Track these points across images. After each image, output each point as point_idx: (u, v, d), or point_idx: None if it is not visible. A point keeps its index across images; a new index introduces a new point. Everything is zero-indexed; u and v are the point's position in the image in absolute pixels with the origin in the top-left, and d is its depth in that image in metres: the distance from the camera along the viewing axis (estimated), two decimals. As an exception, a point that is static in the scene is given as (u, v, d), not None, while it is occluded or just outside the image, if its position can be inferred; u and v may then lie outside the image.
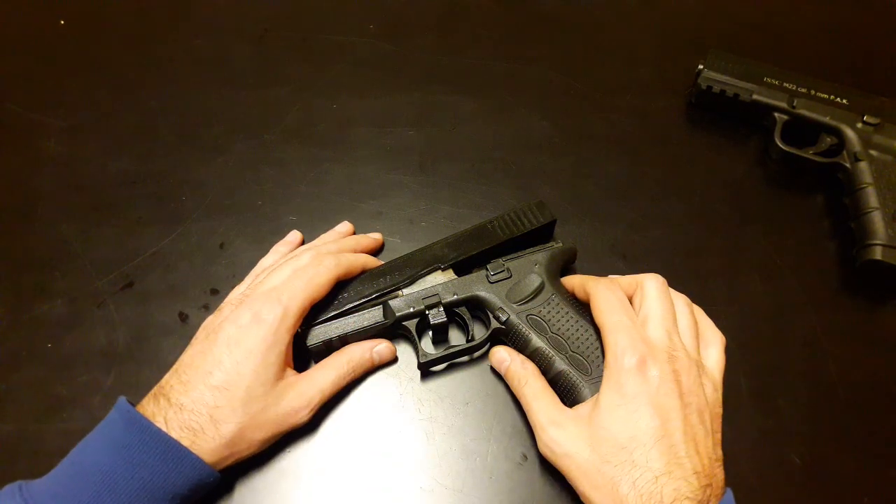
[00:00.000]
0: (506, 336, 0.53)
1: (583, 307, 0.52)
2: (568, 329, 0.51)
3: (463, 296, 0.53)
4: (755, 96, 0.67)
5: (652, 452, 0.41)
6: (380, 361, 0.53)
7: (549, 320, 0.51)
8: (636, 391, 0.43)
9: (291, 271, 0.50)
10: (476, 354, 0.55)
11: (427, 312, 0.52)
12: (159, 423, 0.43)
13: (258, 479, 0.49)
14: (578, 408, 0.47)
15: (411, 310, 0.52)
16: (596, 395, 0.46)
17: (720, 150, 0.68)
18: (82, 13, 0.75)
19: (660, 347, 0.45)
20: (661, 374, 0.43)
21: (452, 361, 0.55)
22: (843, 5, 0.80)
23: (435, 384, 0.54)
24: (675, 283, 0.51)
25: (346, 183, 0.64)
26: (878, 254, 0.58)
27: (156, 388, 0.46)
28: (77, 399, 0.52)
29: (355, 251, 0.55)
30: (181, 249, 0.60)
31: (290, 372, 0.49)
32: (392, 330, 0.54)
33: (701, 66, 0.68)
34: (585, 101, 0.71)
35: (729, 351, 0.52)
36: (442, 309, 0.52)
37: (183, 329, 0.56)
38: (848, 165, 0.63)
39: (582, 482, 0.44)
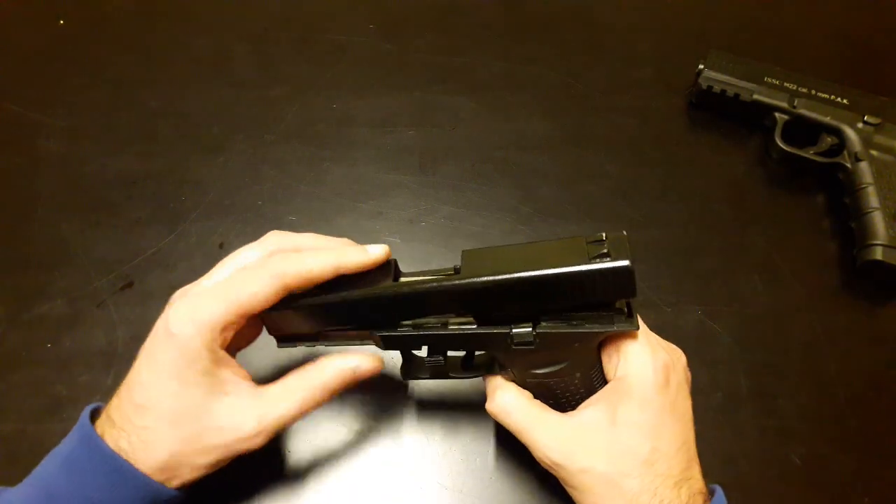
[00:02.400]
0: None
1: (599, 381, 0.44)
2: (570, 393, 0.44)
3: (475, 352, 0.45)
4: (756, 96, 0.67)
5: (673, 461, 0.40)
6: (361, 378, 0.44)
7: (556, 389, 0.44)
8: (662, 404, 0.41)
9: (233, 271, 0.43)
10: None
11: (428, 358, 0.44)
12: (106, 437, 0.40)
13: (255, 479, 0.49)
14: (579, 417, 0.42)
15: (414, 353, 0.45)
16: (603, 405, 0.42)
17: (720, 150, 0.68)
18: (82, 13, 0.75)
19: (666, 349, 0.44)
20: (678, 379, 0.42)
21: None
22: (843, 5, 0.80)
23: (435, 383, 0.54)
24: (676, 282, 0.51)
25: (346, 183, 0.64)
26: (878, 254, 0.58)
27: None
28: (77, 399, 0.52)
29: (335, 267, 0.42)
30: (181, 249, 0.60)
31: (238, 387, 0.42)
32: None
33: (701, 66, 0.68)
34: (585, 101, 0.71)
35: (729, 351, 0.52)
36: (441, 358, 0.44)
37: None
38: (848, 165, 0.63)
39: (596, 496, 0.41)
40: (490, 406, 0.44)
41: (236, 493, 0.49)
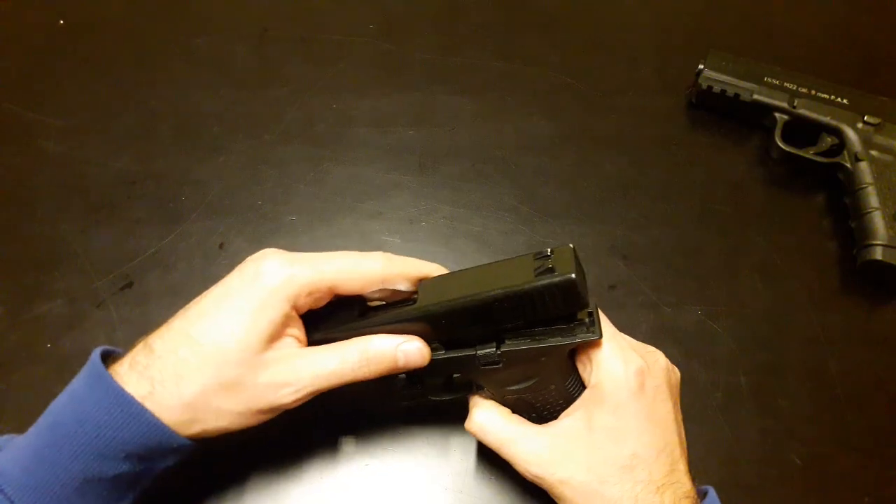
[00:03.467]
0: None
1: (577, 389, 0.44)
2: (549, 404, 0.44)
3: (452, 375, 0.45)
4: (755, 96, 0.67)
5: (654, 466, 0.40)
6: (405, 366, 0.43)
7: (534, 402, 0.44)
8: (637, 409, 0.41)
9: (338, 252, 0.43)
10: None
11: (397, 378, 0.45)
12: (122, 367, 0.39)
13: (254, 478, 0.49)
14: (556, 427, 0.43)
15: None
16: (580, 413, 0.42)
17: (720, 150, 0.68)
18: (82, 13, 0.75)
19: (642, 353, 0.43)
20: (656, 383, 0.42)
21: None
22: (844, 5, 0.80)
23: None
24: (675, 282, 0.51)
25: (346, 183, 0.64)
26: (878, 254, 0.58)
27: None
28: (77, 399, 0.52)
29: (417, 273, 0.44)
30: (181, 249, 0.60)
31: (289, 347, 0.42)
32: None
33: (701, 66, 0.68)
34: (585, 101, 0.71)
35: (729, 351, 0.52)
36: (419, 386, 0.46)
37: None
38: (848, 165, 0.63)
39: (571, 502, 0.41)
40: (468, 425, 0.45)
41: (232, 492, 0.49)
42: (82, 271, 0.58)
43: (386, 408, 0.51)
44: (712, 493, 0.42)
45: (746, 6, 0.80)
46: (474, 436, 0.45)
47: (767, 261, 0.62)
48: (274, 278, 0.40)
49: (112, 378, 0.38)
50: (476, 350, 0.41)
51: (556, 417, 0.44)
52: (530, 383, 0.42)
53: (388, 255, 0.44)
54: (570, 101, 0.71)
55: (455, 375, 0.46)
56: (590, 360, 0.42)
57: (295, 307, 0.41)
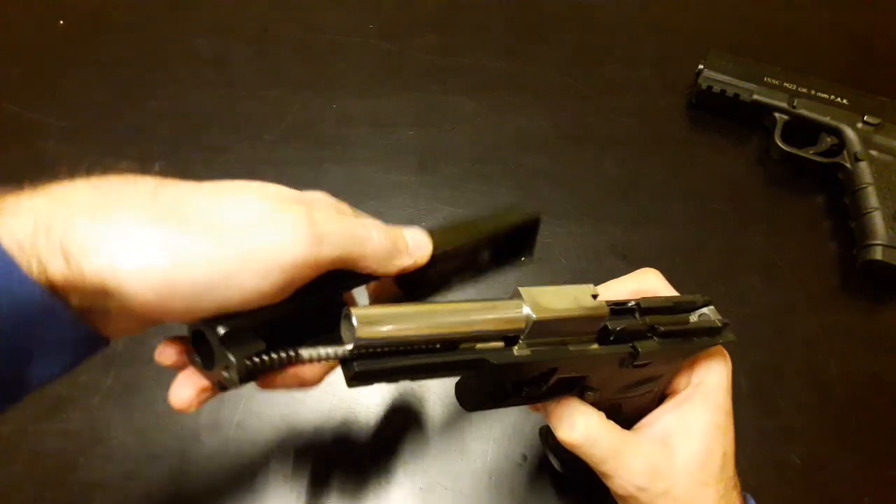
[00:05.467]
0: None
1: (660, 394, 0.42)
2: (640, 410, 0.42)
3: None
4: (755, 96, 0.67)
5: (732, 462, 0.41)
6: (413, 262, 0.35)
7: (625, 407, 0.41)
8: (729, 408, 0.41)
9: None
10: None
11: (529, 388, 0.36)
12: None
13: (255, 479, 0.49)
14: (657, 430, 0.40)
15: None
16: (677, 416, 0.40)
17: (720, 150, 0.68)
18: (82, 13, 0.74)
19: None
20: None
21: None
22: (842, 5, 0.80)
23: (435, 384, 0.54)
24: (675, 283, 0.51)
25: (346, 183, 0.64)
26: (878, 254, 0.58)
27: None
28: (77, 399, 0.52)
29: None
30: (181, 249, 0.60)
31: None
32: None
33: (701, 66, 0.68)
34: (585, 101, 0.71)
35: (729, 351, 0.52)
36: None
37: (182, 329, 0.55)
38: (848, 165, 0.63)
39: None
40: (571, 435, 0.37)
41: (230, 494, 0.49)
42: (82, 271, 0.58)
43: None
44: (751, 501, 0.43)
45: (746, 6, 0.80)
46: (576, 447, 0.37)
47: (767, 261, 0.62)
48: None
49: None
50: (634, 345, 0.37)
51: (629, 424, 0.41)
52: (650, 386, 0.40)
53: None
54: (570, 101, 0.71)
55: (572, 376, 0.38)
56: (694, 360, 0.42)
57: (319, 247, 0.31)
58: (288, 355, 0.30)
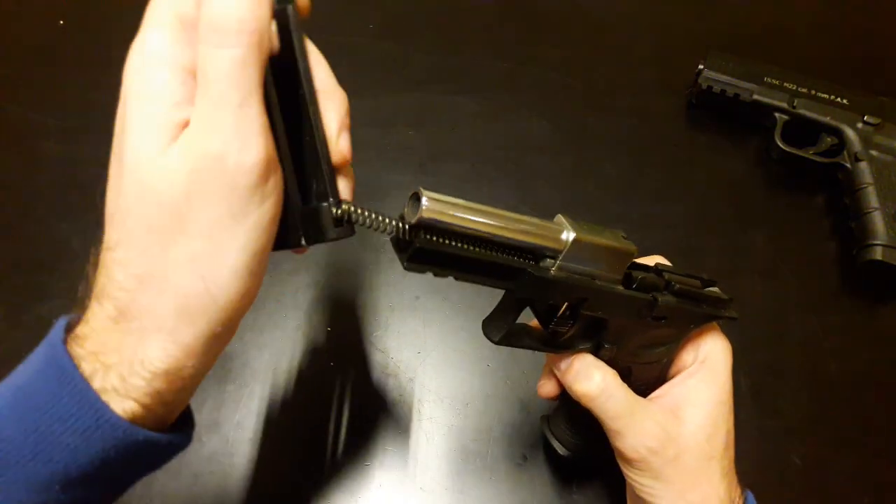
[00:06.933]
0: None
1: (666, 369, 0.44)
2: (647, 382, 0.43)
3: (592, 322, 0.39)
4: (755, 96, 0.67)
5: (733, 441, 0.42)
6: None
7: (635, 372, 0.43)
8: (730, 387, 0.43)
9: None
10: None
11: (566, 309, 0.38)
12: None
13: (255, 479, 0.49)
14: (667, 401, 0.41)
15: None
16: (687, 389, 0.42)
17: (720, 151, 0.68)
18: (82, 13, 0.74)
19: None
20: None
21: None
22: (843, 5, 0.80)
23: (435, 384, 0.54)
24: (675, 283, 0.51)
25: (346, 183, 0.64)
26: (878, 254, 0.58)
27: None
28: (77, 399, 0.52)
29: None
30: (181, 249, 0.60)
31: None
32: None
33: (701, 66, 0.68)
34: (585, 101, 0.71)
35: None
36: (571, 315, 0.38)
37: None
38: (848, 165, 0.63)
39: (685, 483, 0.39)
40: (587, 386, 0.39)
41: (230, 492, 0.49)
42: (82, 271, 0.58)
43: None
44: (751, 497, 0.43)
45: (746, 6, 0.80)
46: (589, 399, 0.39)
47: (767, 261, 0.62)
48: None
49: (75, 370, 0.28)
50: (654, 296, 0.39)
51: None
52: (662, 349, 0.42)
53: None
54: (570, 101, 0.71)
55: (601, 318, 0.39)
56: (698, 337, 0.43)
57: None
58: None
